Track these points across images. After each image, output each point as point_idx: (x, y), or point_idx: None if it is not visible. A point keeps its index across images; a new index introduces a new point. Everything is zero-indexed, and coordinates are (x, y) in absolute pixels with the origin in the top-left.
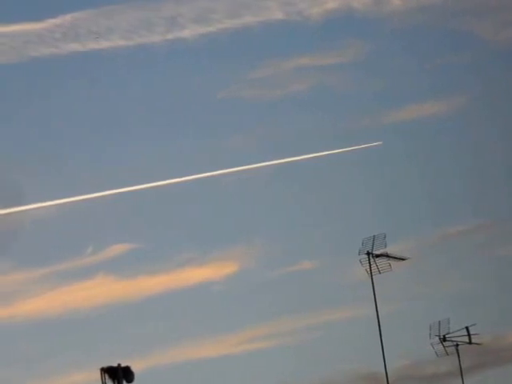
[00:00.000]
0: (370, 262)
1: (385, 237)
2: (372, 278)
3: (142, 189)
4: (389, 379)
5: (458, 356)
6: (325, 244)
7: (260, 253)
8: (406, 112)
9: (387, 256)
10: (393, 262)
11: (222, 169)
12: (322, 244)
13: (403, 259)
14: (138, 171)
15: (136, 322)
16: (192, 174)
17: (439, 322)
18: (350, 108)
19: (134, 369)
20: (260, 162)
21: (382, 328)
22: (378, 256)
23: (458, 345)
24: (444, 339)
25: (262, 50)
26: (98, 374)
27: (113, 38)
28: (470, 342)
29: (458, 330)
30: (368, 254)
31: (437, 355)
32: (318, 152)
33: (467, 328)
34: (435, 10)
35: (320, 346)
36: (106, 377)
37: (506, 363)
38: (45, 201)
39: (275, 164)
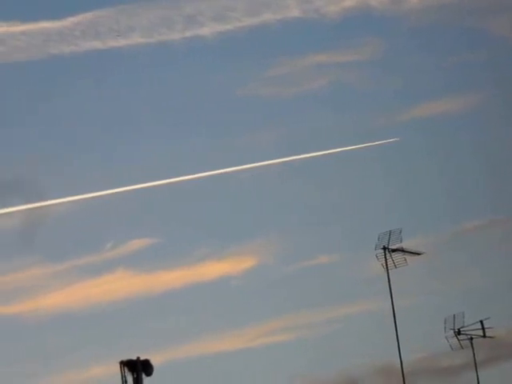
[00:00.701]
0: (385, 257)
1: (400, 232)
2: (388, 273)
3: (160, 185)
4: (404, 372)
5: (473, 349)
6: (342, 239)
7: (278, 247)
8: (423, 109)
9: (403, 251)
10: (408, 257)
11: (239, 165)
12: (340, 239)
13: (419, 254)
14: (157, 168)
15: (155, 316)
16: (210, 170)
17: (454, 315)
18: (367, 105)
19: (153, 362)
20: (277, 158)
21: (397, 321)
22: (393, 251)
23: (472, 338)
24: (459, 332)
25: (279, 47)
26: (117, 368)
27: (133, 36)
28: (484, 336)
29: (473, 324)
30: (384, 248)
31: (451, 348)
32: (335, 148)
33: (481, 322)
34: (452, 7)
35: (337, 339)
36: (126, 370)
37: None
38: (66, 196)
39: (292, 160)
